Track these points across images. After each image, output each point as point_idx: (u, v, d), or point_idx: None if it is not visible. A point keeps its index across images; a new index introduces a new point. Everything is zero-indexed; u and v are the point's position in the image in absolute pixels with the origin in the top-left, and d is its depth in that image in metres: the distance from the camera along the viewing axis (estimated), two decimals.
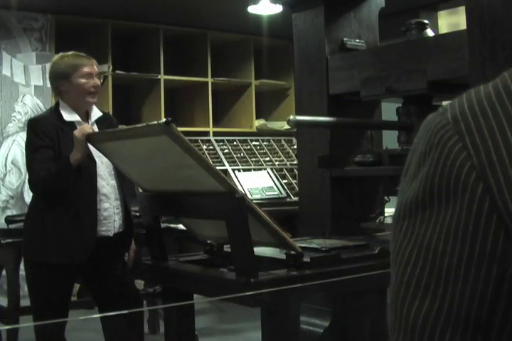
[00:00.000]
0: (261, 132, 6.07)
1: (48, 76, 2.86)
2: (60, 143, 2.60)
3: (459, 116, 0.38)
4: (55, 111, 2.73)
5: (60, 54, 2.81)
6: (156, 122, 1.90)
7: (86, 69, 2.71)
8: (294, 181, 4.97)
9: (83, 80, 2.70)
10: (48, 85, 5.20)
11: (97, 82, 2.75)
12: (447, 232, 0.37)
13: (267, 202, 4.56)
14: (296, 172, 4.20)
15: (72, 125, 2.65)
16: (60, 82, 2.72)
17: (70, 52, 2.79)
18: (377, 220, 2.98)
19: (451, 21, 5.49)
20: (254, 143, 5.52)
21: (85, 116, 2.78)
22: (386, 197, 3.07)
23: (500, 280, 0.35)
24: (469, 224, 0.37)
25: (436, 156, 0.38)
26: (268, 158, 5.33)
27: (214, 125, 6.04)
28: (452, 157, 0.37)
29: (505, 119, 0.36)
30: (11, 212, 4.92)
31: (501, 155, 0.35)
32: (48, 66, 5.22)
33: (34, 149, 2.60)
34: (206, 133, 5.88)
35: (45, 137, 2.60)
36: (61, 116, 2.69)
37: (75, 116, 2.71)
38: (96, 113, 2.81)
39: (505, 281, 0.35)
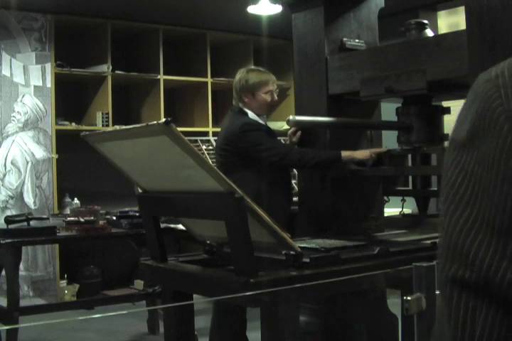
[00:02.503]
0: None
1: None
2: None
3: (500, 73, 0.52)
4: (247, 117, 3.14)
5: (247, 68, 3.29)
6: (155, 122, 1.90)
7: (269, 88, 3.18)
8: (293, 181, 4.96)
9: (265, 96, 3.16)
10: (48, 85, 5.22)
11: (276, 97, 3.22)
12: (483, 160, 0.51)
13: None
14: (296, 173, 4.20)
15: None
16: (245, 94, 3.16)
17: (255, 68, 3.30)
18: (377, 220, 2.98)
19: (450, 21, 5.49)
20: None
21: None
22: (386, 197, 3.07)
23: None
24: (496, 153, 0.50)
25: (479, 103, 0.52)
26: None
27: (213, 125, 6.04)
28: (489, 104, 0.51)
29: None
30: (10, 212, 4.92)
31: None
32: (47, 66, 5.24)
33: (269, 139, 3.04)
34: (206, 133, 5.88)
35: (267, 133, 3.08)
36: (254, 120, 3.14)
37: (262, 120, 3.17)
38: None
39: None
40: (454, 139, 0.56)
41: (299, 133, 3.15)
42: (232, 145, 3.10)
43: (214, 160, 5.16)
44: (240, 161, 3.08)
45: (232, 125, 3.14)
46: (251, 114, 3.16)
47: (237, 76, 3.25)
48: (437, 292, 0.55)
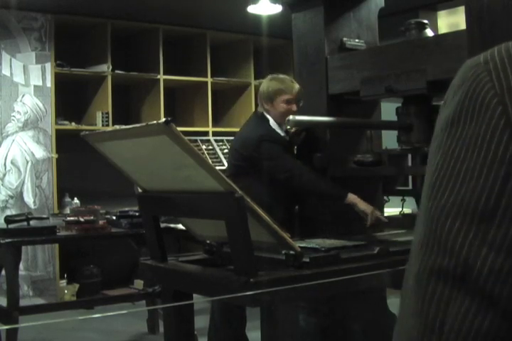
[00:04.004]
0: None
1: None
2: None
3: (489, 58, 0.51)
4: (268, 125, 3.13)
5: (272, 75, 3.23)
6: (155, 122, 1.90)
7: (287, 97, 3.11)
8: None
9: (283, 105, 3.12)
10: (48, 85, 5.22)
11: (294, 108, 3.12)
12: (468, 142, 0.49)
13: None
14: None
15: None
16: (265, 102, 3.16)
17: (279, 76, 3.21)
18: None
19: (450, 21, 5.49)
20: None
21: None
22: (386, 197, 3.07)
23: (505, 180, 0.46)
24: (487, 135, 0.48)
25: (468, 86, 0.51)
26: None
27: (213, 125, 6.04)
28: (480, 87, 0.49)
29: None
30: (10, 211, 4.92)
31: None
32: (47, 66, 5.24)
33: (284, 155, 3.03)
34: (206, 133, 5.88)
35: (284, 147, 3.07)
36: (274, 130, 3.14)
37: (281, 130, 3.14)
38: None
39: (510, 181, 0.46)
40: (437, 124, 0.54)
41: (303, 133, 3.15)
42: (246, 151, 3.09)
43: (214, 159, 5.17)
44: (249, 168, 3.06)
45: (252, 131, 3.13)
46: (272, 122, 3.14)
47: (263, 82, 3.27)
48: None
